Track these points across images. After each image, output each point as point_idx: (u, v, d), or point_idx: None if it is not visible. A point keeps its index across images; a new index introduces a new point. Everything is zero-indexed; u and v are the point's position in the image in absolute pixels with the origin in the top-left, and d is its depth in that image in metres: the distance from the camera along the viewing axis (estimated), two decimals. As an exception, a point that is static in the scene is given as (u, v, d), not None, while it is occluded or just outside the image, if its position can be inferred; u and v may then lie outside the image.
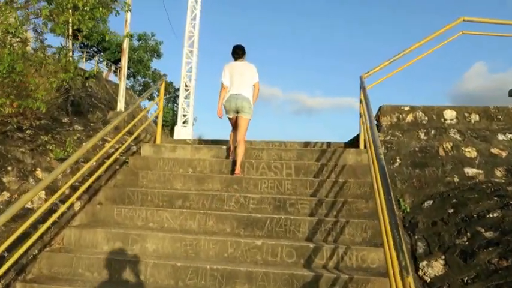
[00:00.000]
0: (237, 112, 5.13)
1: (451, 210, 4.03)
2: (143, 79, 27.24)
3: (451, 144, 4.99)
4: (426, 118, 5.29)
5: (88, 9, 3.77)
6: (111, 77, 22.53)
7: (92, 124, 6.06)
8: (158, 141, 5.92)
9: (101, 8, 4.07)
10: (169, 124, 26.44)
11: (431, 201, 4.33)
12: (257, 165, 4.98)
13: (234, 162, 4.93)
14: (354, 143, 6.16)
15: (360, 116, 5.38)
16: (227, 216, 4.06)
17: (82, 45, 24.29)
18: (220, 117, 5.27)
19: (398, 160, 4.91)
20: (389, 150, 5.00)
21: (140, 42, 25.22)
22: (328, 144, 6.11)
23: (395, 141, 5.12)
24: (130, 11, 6.24)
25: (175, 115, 26.52)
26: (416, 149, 5.01)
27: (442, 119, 5.27)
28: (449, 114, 5.27)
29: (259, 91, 5.34)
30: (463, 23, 5.66)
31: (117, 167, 5.25)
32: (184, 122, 24.55)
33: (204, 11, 26.37)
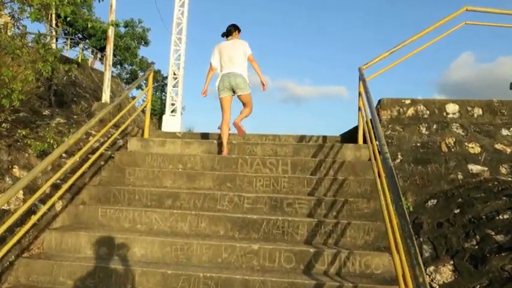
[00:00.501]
0: (234, 91, 5.02)
1: (457, 211, 3.83)
2: (130, 67, 26.64)
3: (454, 139, 4.78)
4: (428, 112, 5.07)
5: (67, -7, 3.43)
6: (97, 65, 21.92)
7: (75, 116, 5.71)
8: (146, 134, 5.60)
9: (82, -8, 3.72)
10: (158, 113, 25.99)
11: (435, 200, 4.13)
12: (251, 161, 4.71)
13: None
14: (350, 136, 5.93)
15: (359, 109, 5.14)
16: (220, 217, 3.80)
17: (66, 32, 23.60)
18: (204, 96, 5.35)
19: (399, 156, 4.69)
20: (389, 146, 4.77)
21: (127, 29, 24.57)
22: (324, 138, 5.87)
23: (396, 136, 4.90)
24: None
25: (163, 104, 26.02)
26: (418, 144, 4.79)
27: (444, 113, 5.05)
28: (452, 108, 5.05)
29: (257, 64, 5.09)
30: (466, 13, 5.42)
31: (102, 162, 4.94)
32: (172, 111, 24.07)
33: (192, -2, 25.80)
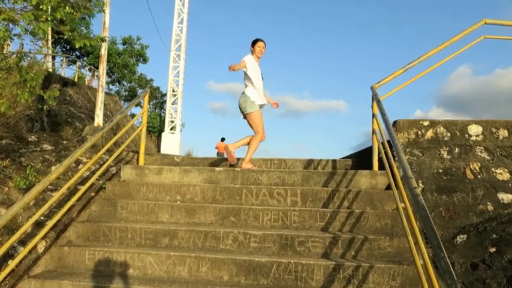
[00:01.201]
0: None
1: (492, 249, 3.37)
2: (129, 84, 26.36)
3: (479, 164, 4.34)
4: (448, 134, 4.64)
5: (45, 9, 3.02)
6: (95, 83, 21.62)
7: (64, 142, 5.28)
8: (141, 161, 5.16)
9: (67, 8, 3.32)
10: (157, 130, 25.61)
11: (465, 236, 3.67)
12: (257, 191, 4.26)
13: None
14: (363, 160, 5.50)
15: (373, 132, 4.71)
16: (224, 260, 3.33)
17: (64, 49, 23.36)
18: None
19: (420, 184, 4.24)
20: (394, 172, 4.32)
21: (125, 46, 24.34)
22: (334, 162, 5.45)
23: (415, 162, 4.46)
24: (104, 11, 5.48)
25: (162, 121, 25.69)
26: (440, 170, 4.36)
27: (467, 135, 4.62)
28: (475, 130, 4.63)
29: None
30: (485, 26, 5.04)
31: (93, 194, 4.49)
32: (171, 129, 23.74)
33: (191, 13, 25.66)
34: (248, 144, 5.09)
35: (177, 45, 25.30)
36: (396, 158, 4.39)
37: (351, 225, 3.79)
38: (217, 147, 19.51)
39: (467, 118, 4.74)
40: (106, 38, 5.04)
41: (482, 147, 4.51)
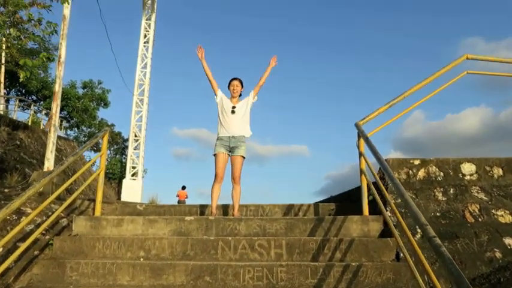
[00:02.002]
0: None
1: (514, 306, 2.89)
2: (88, 129, 25.32)
3: (478, 206, 3.97)
4: (441, 174, 4.28)
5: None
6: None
7: (6, 190, 4.51)
8: (98, 211, 4.44)
9: (12, 30, 2.78)
10: (117, 177, 24.42)
11: (478, 290, 3.19)
12: (235, 244, 3.65)
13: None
14: (346, 203, 5.04)
15: (361, 172, 4.28)
16: (200, 334, 2.67)
17: (19, 93, 22.26)
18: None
19: (418, 230, 3.79)
20: (404, 218, 3.88)
21: (85, 90, 23.55)
22: (317, 206, 4.95)
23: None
24: (60, 44, 4.93)
25: (123, 167, 24.58)
26: (438, 214, 3.94)
27: (460, 175, 4.28)
28: (468, 169, 4.30)
29: None
30: (466, 61, 4.88)
31: (36, 252, 3.73)
32: (133, 175, 22.69)
33: (154, 57, 25.45)
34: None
35: (140, 89, 24.85)
36: (399, 201, 3.98)
37: (348, 282, 3.23)
38: (178, 195, 18.66)
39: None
40: (53, 57, 4.46)
41: (478, 187, 4.16)
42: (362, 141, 4.35)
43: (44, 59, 3.59)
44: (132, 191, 20.06)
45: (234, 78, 5.09)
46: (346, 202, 5.06)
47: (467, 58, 4.86)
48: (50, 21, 3.87)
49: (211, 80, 4.99)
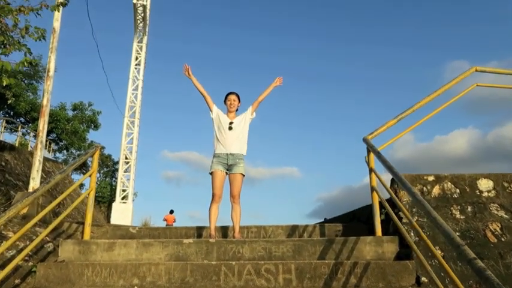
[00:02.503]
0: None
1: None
2: (78, 152, 24.80)
3: (499, 225, 3.70)
4: (457, 190, 4.02)
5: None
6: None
7: (-14, 212, 4.13)
8: (87, 234, 4.07)
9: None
10: (107, 200, 23.82)
11: (511, 318, 2.88)
12: (239, 269, 3.31)
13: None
14: (354, 223, 4.76)
15: (372, 189, 4.00)
16: None
17: (7, 114, 21.81)
18: None
19: (439, 251, 3.49)
20: (420, 238, 3.58)
21: (75, 112, 23.17)
22: (322, 227, 4.65)
23: (426, 224, 3.74)
24: (50, 56, 4.63)
25: (113, 190, 24.01)
26: (457, 233, 3.65)
27: (477, 191, 4.01)
28: (485, 185, 4.04)
29: None
30: (475, 74, 4.70)
31: (18, 281, 3.35)
32: (123, 198, 22.13)
33: (146, 81, 25.31)
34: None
35: (131, 111, 24.56)
36: (425, 219, 3.69)
37: (367, 310, 2.90)
38: (165, 219, 18.17)
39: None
40: (37, 62, 4.17)
41: (497, 205, 3.90)
42: (372, 156, 4.09)
43: (26, 63, 3.30)
44: (122, 214, 19.51)
45: (231, 93, 4.81)
46: (353, 222, 4.77)
47: (476, 70, 4.68)
48: (37, 27, 3.60)
49: (205, 96, 4.70)
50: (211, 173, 4.50)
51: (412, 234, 3.66)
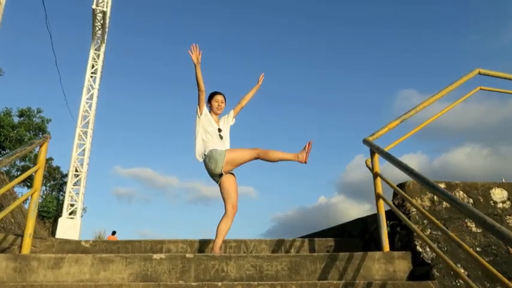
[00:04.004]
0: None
1: None
2: (22, 162, 22.89)
3: (520, 239, 3.23)
4: (471, 200, 3.55)
5: None
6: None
7: None
8: (26, 248, 3.19)
9: None
10: (52, 216, 22.00)
11: None
12: (227, 291, 2.61)
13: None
14: (348, 237, 4.19)
15: (378, 197, 3.45)
16: None
17: None
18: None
19: (461, 269, 2.96)
20: (437, 255, 3.05)
21: (22, 118, 21.45)
22: (312, 242, 4.05)
23: (442, 238, 3.22)
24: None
25: (60, 205, 22.25)
26: (478, 249, 3.15)
27: (491, 202, 3.57)
28: (499, 195, 3.60)
29: None
30: (479, 77, 4.35)
31: None
32: (71, 213, 20.52)
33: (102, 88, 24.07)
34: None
35: (84, 121, 23.16)
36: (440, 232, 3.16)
37: None
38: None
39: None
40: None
41: (513, 217, 3.46)
42: (376, 159, 3.56)
43: None
44: (69, 230, 18.02)
45: (219, 93, 4.17)
46: (349, 237, 4.20)
47: (479, 73, 4.33)
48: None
49: (202, 91, 3.92)
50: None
51: (428, 249, 3.13)
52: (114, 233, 18.06)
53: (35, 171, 3.27)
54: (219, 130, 4.00)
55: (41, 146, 3.35)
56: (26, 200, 3.64)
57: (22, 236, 3.54)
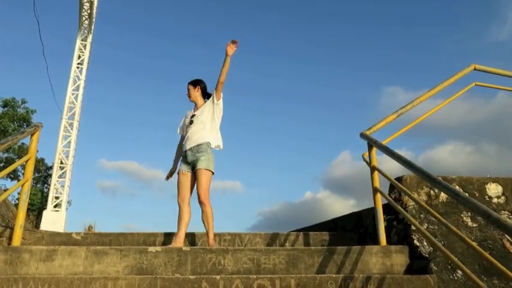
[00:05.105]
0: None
1: None
2: (5, 154, 22.42)
3: (515, 234, 3.26)
4: (466, 195, 3.55)
5: None
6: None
7: None
8: (17, 240, 3.09)
9: None
10: (36, 208, 21.63)
11: None
12: (225, 285, 2.57)
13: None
14: (343, 231, 4.19)
15: (376, 191, 3.43)
16: None
17: None
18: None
19: (460, 264, 2.97)
20: (435, 248, 3.06)
21: (6, 109, 20.99)
22: (307, 236, 4.03)
23: (439, 232, 3.23)
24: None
25: (44, 198, 21.89)
26: (474, 243, 3.16)
27: (487, 197, 3.59)
28: (494, 190, 3.63)
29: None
30: (474, 73, 4.36)
31: None
32: (56, 206, 20.20)
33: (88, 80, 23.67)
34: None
35: (70, 113, 22.77)
36: (437, 226, 3.16)
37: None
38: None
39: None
40: None
41: (508, 212, 3.49)
42: (374, 153, 3.55)
43: None
44: (54, 223, 17.70)
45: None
46: (343, 231, 4.19)
47: (474, 69, 4.34)
48: None
49: (223, 82, 3.93)
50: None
51: (425, 243, 3.13)
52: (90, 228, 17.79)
53: (26, 161, 3.17)
54: (192, 116, 3.98)
55: (32, 135, 3.24)
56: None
57: (10, 227, 3.45)
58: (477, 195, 3.57)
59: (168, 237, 3.83)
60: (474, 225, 3.35)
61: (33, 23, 25.09)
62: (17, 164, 3.24)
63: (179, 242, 3.52)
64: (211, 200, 3.70)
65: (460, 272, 2.90)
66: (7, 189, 3.17)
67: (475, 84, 4.38)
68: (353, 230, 4.18)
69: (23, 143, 23.29)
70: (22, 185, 3.12)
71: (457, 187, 3.59)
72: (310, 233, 4.11)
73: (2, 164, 22.61)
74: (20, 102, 21.24)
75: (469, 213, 3.43)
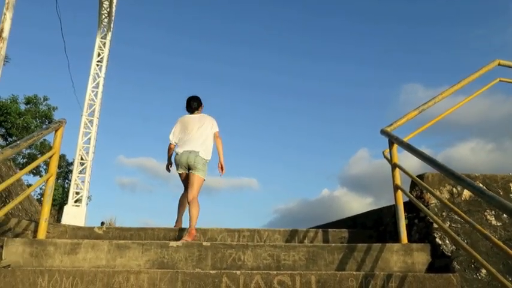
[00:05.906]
0: (189, 169, 4.28)
1: None
2: (28, 150, 22.93)
3: (541, 234, 3.18)
4: (491, 193, 3.48)
5: None
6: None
7: None
8: (42, 233, 3.17)
9: None
10: (58, 203, 22.10)
11: None
12: (246, 280, 2.58)
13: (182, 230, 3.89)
14: (364, 229, 4.15)
15: (396, 189, 3.39)
16: None
17: None
18: (169, 172, 4.78)
19: (484, 263, 2.91)
20: (458, 247, 3.01)
21: (29, 106, 21.45)
22: (325, 233, 4.01)
23: (462, 231, 3.17)
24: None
25: (65, 193, 22.35)
26: (500, 242, 3.10)
27: (511, 195, 3.51)
28: (519, 188, 3.55)
29: (222, 143, 4.54)
30: (498, 68, 4.27)
31: None
32: (76, 201, 20.59)
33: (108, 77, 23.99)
34: (192, 214, 4.12)
35: (90, 109, 23.13)
36: (460, 225, 3.11)
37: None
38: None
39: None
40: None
41: (533, 211, 3.40)
42: (395, 150, 3.51)
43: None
44: (74, 218, 18.07)
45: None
46: (364, 228, 4.16)
47: (499, 64, 4.25)
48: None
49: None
50: None
51: (448, 242, 3.08)
52: (102, 224, 17.95)
53: (50, 157, 3.24)
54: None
55: (56, 131, 3.31)
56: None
57: (35, 221, 3.53)
58: (501, 193, 3.50)
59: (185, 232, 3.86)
60: (498, 223, 3.28)
61: (53, 20, 25.52)
62: (41, 159, 3.31)
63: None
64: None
65: (484, 271, 2.85)
66: (30, 185, 3.25)
67: (499, 80, 4.28)
68: (372, 227, 4.14)
69: (45, 139, 23.81)
70: (46, 180, 3.20)
71: (481, 185, 3.52)
72: (329, 230, 4.09)
73: (25, 160, 23.15)
74: (42, 99, 21.68)
75: (493, 212, 3.36)
